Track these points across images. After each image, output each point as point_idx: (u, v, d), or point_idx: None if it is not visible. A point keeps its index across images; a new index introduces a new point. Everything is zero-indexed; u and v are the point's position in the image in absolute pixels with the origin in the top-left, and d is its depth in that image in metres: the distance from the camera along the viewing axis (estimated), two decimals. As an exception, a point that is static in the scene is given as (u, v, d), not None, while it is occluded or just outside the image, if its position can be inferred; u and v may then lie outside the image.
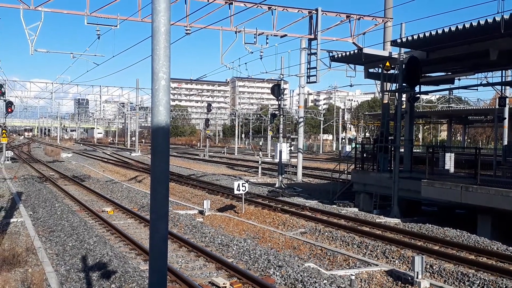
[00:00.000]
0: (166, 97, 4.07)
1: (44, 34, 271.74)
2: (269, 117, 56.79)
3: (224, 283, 10.27)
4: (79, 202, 21.57)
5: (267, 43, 22.72)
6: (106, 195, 24.09)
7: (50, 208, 19.52)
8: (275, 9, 21.59)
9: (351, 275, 10.83)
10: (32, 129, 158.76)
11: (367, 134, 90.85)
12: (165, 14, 4.03)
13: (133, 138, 78.39)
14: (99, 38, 21.28)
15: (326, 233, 15.75)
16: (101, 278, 10.31)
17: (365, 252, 13.74)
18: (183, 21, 20.85)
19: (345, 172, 24.43)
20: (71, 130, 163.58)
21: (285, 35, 22.61)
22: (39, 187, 26.49)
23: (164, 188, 4.10)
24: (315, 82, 22.44)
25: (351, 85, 30.41)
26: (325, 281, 10.17)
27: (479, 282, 10.69)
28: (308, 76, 23.03)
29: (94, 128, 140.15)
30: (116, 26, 20.47)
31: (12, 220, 16.59)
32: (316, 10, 21.85)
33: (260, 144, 63.35)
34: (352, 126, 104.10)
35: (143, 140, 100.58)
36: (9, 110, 39.18)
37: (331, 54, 23.21)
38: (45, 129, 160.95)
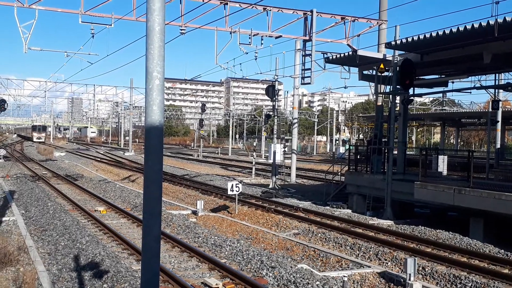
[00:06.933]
0: (160, 96, 4.06)
1: (38, 32, 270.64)
2: (263, 118, 56.83)
3: (216, 284, 10.25)
4: (72, 201, 21.48)
5: (262, 44, 22.76)
6: (99, 195, 24.01)
7: (42, 207, 19.43)
8: (270, 10, 21.61)
9: (344, 276, 10.83)
10: (46, 127, 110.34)
11: (361, 136, 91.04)
12: (159, 13, 4.02)
13: (127, 138, 78.16)
14: (93, 36, 21.24)
15: (319, 235, 15.75)
16: (93, 277, 10.27)
17: (358, 254, 13.76)
18: (178, 20, 20.85)
19: (339, 173, 24.45)
20: (65, 129, 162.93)
21: (280, 36, 22.63)
22: (32, 186, 26.36)
23: (157, 188, 4.08)
24: (309, 83, 22.52)
25: (345, 87, 30.72)
26: (317, 283, 10.18)
27: (471, 285, 10.72)
28: (303, 78, 23.11)
29: (87, 127, 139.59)
30: (111, 25, 20.45)
31: (4, 218, 16.49)
32: (311, 11, 21.90)
33: (254, 144, 63.32)
34: (346, 128, 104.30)
35: (137, 140, 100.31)
36: (2, 108, 39.04)
37: (325, 55, 23.25)
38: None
